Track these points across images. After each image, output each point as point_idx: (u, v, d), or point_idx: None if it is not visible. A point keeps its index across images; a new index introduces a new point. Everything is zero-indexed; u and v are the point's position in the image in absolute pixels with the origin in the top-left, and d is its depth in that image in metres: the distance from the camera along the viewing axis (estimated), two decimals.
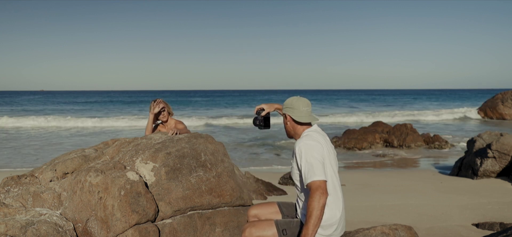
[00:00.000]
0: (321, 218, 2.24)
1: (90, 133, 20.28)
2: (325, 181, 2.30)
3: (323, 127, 2.84)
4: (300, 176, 2.46)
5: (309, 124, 2.62)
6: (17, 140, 16.99)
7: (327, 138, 2.62)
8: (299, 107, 2.57)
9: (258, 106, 2.94)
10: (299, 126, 2.60)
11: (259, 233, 2.53)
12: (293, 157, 2.53)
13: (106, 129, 22.20)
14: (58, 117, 26.90)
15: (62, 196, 3.16)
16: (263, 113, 2.88)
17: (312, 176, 2.29)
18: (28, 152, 13.50)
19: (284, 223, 2.56)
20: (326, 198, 2.26)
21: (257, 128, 2.97)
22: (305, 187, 2.36)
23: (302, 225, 2.52)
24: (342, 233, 2.57)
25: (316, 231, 2.23)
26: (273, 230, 2.52)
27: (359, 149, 13.96)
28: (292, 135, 2.67)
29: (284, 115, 2.66)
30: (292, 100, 2.61)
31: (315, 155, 2.36)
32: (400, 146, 14.38)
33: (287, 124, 2.65)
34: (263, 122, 2.89)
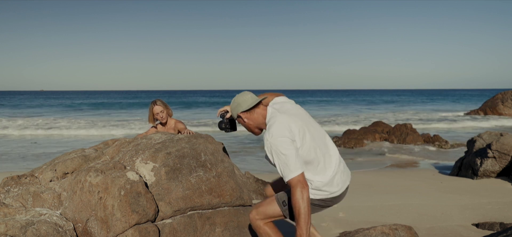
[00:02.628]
0: (309, 211, 2.22)
1: (86, 140, 20.26)
2: (302, 173, 2.26)
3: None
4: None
5: (261, 105, 2.53)
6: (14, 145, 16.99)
7: (293, 103, 2.54)
8: (242, 98, 2.50)
9: (221, 109, 2.80)
10: (256, 115, 2.52)
11: (263, 208, 2.55)
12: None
13: (104, 136, 22.19)
14: (57, 121, 26.85)
15: (62, 196, 3.16)
16: (227, 115, 2.75)
17: (288, 173, 2.26)
18: (22, 156, 13.49)
19: (283, 195, 2.56)
20: (308, 189, 2.24)
21: (223, 132, 2.88)
22: (286, 184, 2.35)
23: None
24: (344, 186, 2.51)
25: (309, 226, 2.23)
26: (276, 204, 2.54)
27: (359, 148, 13.97)
28: (260, 128, 2.58)
29: (239, 118, 2.56)
30: (233, 101, 2.56)
31: (284, 150, 2.27)
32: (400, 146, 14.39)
33: (245, 122, 2.55)
34: (229, 124, 2.77)
